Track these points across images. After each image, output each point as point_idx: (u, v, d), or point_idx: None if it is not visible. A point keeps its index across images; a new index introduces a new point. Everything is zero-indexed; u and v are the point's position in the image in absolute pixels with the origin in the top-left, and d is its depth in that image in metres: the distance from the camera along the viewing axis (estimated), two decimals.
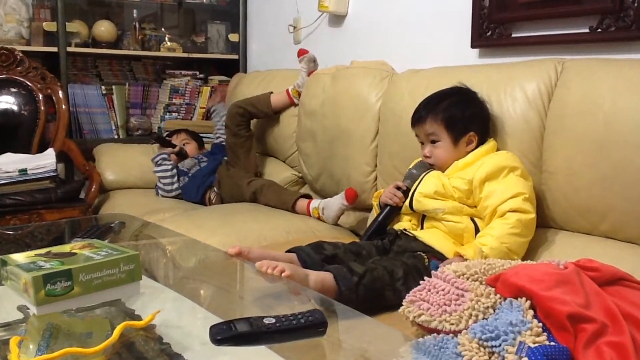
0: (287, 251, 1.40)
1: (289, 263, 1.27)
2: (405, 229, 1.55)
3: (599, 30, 1.57)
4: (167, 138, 2.75)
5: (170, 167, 2.54)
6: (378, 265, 1.34)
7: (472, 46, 1.91)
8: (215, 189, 2.43)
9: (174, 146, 2.68)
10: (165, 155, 2.59)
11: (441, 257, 1.43)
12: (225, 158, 2.48)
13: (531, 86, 1.53)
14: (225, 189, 2.36)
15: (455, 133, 1.55)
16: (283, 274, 1.21)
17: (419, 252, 1.45)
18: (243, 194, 2.23)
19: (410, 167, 1.67)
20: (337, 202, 2.00)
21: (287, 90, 2.41)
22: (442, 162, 1.57)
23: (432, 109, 1.58)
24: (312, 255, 1.39)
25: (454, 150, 1.55)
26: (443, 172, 1.57)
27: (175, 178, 2.54)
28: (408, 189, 1.60)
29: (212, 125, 3.02)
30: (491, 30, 1.85)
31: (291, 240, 1.85)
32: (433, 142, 1.58)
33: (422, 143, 1.62)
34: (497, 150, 1.55)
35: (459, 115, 1.55)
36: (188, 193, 2.51)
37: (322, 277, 1.28)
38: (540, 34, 1.74)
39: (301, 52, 2.42)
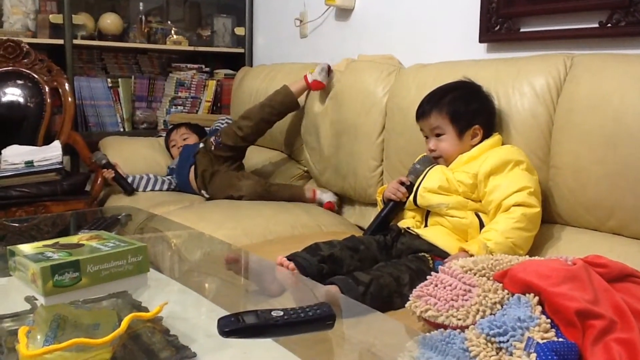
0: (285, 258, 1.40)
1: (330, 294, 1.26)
2: (408, 227, 1.54)
3: (609, 25, 1.55)
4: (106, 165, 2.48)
5: (145, 177, 2.50)
6: (383, 272, 1.33)
7: (480, 41, 1.90)
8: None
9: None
10: (138, 177, 2.49)
11: (445, 256, 1.43)
12: (202, 145, 2.41)
13: (540, 81, 1.52)
14: (215, 184, 2.31)
15: (460, 126, 1.54)
16: (289, 267, 1.26)
17: (422, 254, 1.44)
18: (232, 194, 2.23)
19: (415, 162, 1.67)
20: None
21: (306, 77, 2.29)
22: (447, 155, 1.56)
23: (436, 103, 1.57)
24: (309, 259, 1.37)
25: (458, 143, 1.55)
26: (448, 166, 1.56)
27: (158, 178, 2.51)
28: (412, 184, 1.60)
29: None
30: (499, 24, 1.84)
31: (297, 235, 1.85)
32: (438, 135, 1.57)
33: (427, 137, 1.62)
34: (503, 144, 1.55)
35: (463, 108, 1.54)
36: (183, 185, 2.48)
37: (327, 289, 1.27)
38: (549, 29, 1.72)
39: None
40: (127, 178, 2.44)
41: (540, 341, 0.87)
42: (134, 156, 2.69)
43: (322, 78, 2.24)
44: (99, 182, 2.44)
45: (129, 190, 2.41)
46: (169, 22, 3.20)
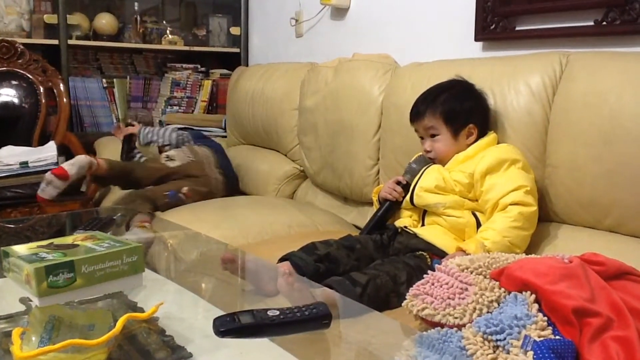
0: (280, 258, 1.39)
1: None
2: (405, 226, 1.54)
3: (604, 23, 1.55)
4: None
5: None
6: (380, 272, 1.32)
7: (476, 39, 1.90)
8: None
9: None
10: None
11: (442, 255, 1.43)
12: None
13: (535, 79, 1.52)
14: None
15: (454, 126, 1.54)
16: (286, 267, 1.26)
17: (420, 252, 1.44)
18: None
19: (411, 161, 1.67)
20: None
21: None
22: (442, 155, 1.56)
23: (430, 103, 1.57)
24: (305, 258, 1.37)
25: (454, 143, 1.55)
26: (444, 166, 1.56)
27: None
28: (408, 184, 1.59)
29: (215, 119, 3.00)
30: (495, 23, 1.83)
31: (293, 234, 1.84)
32: (433, 136, 1.57)
33: (422, 138, 1.61)
34: (499, 143, 1.54)
35: (457, 108, 1.54)
36: None
37: (323, 293, 1.26)
38: (544, 27, 1.72)
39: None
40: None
41: (537, 339, 0.87)
42: None
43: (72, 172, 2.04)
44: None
45: (123, 158, 2.43)
46: (165, 22, 3.19)
